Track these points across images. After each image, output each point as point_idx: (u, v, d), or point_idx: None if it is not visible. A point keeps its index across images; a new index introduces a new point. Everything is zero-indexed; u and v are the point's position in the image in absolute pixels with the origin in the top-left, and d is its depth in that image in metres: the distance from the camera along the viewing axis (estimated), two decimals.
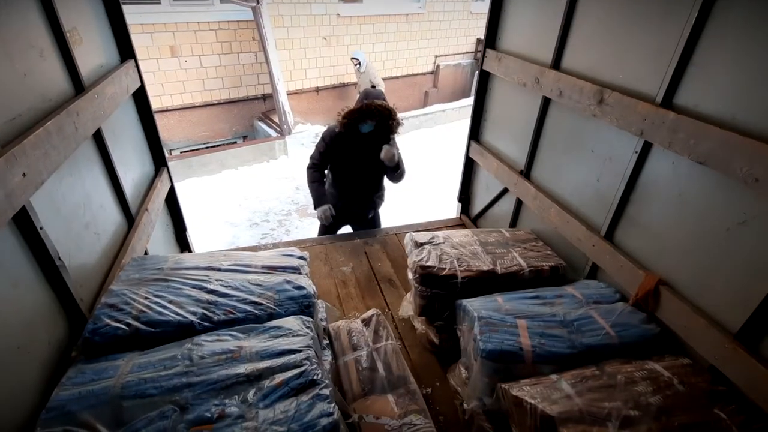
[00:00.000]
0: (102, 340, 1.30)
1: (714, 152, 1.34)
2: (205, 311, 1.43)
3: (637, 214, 1.73)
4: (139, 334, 1.33)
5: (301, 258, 1.83)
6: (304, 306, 1.53)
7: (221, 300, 1.48)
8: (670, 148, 1.49)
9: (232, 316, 1.43)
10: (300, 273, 1.71)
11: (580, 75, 1.91)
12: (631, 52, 1.66)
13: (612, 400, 1.26)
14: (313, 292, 1.59)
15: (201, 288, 1.52)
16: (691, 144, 1.40)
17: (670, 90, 1.50)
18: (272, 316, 1.46)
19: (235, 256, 1.79)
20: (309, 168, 2.62)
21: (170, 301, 1.43)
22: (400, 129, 2.49)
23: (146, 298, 1.43)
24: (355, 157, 2.53)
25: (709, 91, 1.40)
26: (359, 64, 6.71)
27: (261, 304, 1.49)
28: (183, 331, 1.36)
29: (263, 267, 1.70)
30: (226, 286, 1.55)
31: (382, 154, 2.40)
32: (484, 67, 2.67)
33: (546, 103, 2.18)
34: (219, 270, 1.65)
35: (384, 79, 8.32)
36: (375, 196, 2.78)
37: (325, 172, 2.69)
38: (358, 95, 6.50)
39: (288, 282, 1.60)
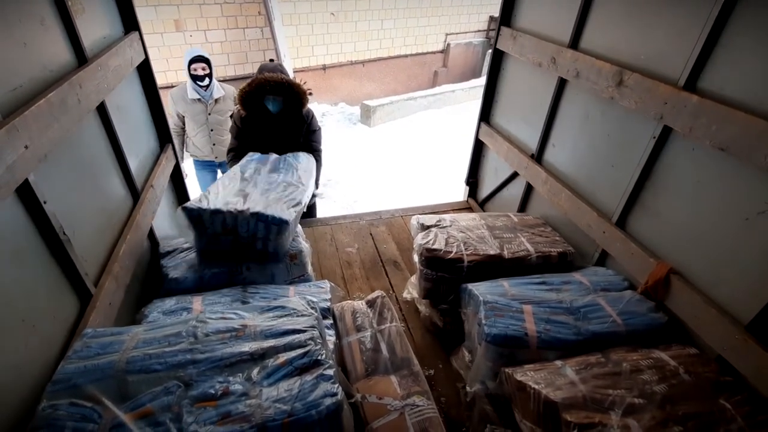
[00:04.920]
0: None
1: (737, 138, 1.28)
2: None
3: (652, 202, 1.68)
4: None
5: None
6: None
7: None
8: (690, 134, 1.43)
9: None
10: None
11: (598, 55, 1.84)
12: (655, 32, 1.58)
13: (616, 387, 1.26)
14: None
15: None
16: (713, 130, 1.35)
17: (695, 72, 1.44)
18: None
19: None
20: (228, 158, 2.38)
21: None
22: (310, 97, 2.36)
23: None
24: (271, 141, 2.31)
25: (737, 75, 1.33)
26: (208, 76, 3.34)
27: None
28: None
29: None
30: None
31: None
32: (497, 46, 2.58)
33: (562, 84, 2.11)
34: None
35: (392, 58, 8.06)
36: None
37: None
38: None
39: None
